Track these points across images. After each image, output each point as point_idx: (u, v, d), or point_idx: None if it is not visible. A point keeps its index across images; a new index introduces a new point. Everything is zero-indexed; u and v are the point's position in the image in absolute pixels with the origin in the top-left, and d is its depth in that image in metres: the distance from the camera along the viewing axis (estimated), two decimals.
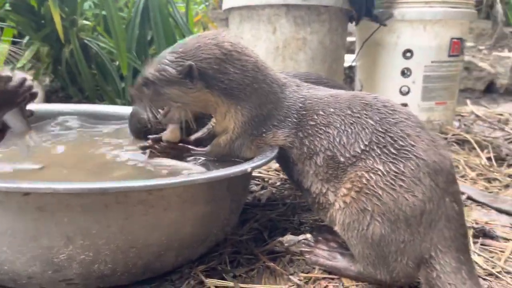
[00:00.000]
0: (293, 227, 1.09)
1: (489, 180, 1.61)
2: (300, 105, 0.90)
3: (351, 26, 2.05)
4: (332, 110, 0.87)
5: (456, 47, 1.97)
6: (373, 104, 0.86)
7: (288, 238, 0.97)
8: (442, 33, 1.93)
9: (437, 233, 0.78)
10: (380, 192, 0.78)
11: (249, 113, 0.89)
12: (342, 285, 0.86)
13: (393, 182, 0.77)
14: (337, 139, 0.84)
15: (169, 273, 0.84)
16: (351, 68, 2.30)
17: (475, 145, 1.90)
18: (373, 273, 0.83)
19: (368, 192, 0.79)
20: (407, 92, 2.00)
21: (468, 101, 2.89)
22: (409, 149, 0.79)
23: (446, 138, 1.94)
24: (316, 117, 0.88)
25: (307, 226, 1.10)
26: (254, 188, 1.33)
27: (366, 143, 0.81)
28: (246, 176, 0.95)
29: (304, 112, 0.89)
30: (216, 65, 0.86)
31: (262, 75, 0.90)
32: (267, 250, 0.95)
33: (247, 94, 0.88)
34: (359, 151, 0.82)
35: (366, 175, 0.79)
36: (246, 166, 0.76)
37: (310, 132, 0.87)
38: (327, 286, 0.86)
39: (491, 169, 1.76)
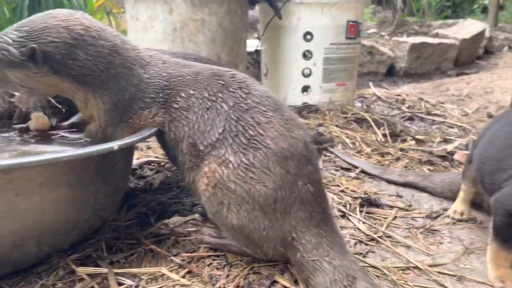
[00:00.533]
0: (184, 209, 1.06)
1: (382, 155, 1.71)
2: (165, 83, 0.86)
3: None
4: (191, 92, 0.84)
5: (353, 29, 2.06)
6: (229, 85, 0.84)
7: (175, 219, 0.94)
8: (338, 15, 2.00)
9: (294, 216, 0.79)
10: (233, 186, 0.78)
11: (110, 100, 0.83)
12: (226, 261, 0.85)
13: (244, 175, 0.77)
14: (196, 126, 0.82)
15: (36, 265, 0.77)
16: (258, 52, 2.31)
17: (372, 123, 2.01)
18: (251, 253, 0.83)
19: (222, 187, 0.78)
20: (309, 74, 2.05)
21: (371, 84, 3.06)
22: (258, 138, 0.79)
23: (346, 118, 2.02)
24: (178, 100, 0.84)
25: (200, 207, 1.08)
26: (148, 173, 1.28)
27: (220, 131, 0.80)
28: (125, 158, 0.90)
29: (168, 91, 0.85)
30: (64, 50, 0.79)
31: (120, 59, 0.84)
32: (152, 234, 0.91)
33: (103, 81, 0.82)
34: (214, 140, 0.80)
35: (218, 169, 0.78)
36: (112, 145, 0.71)
37: (174, 116, 0.84)
38: (211, 263, 0.84)
39: (386, 144, 1.87)
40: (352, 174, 1.46)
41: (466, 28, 3.77)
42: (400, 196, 1.31)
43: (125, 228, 0.93)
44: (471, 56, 3.76)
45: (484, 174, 1.00)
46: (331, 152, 1.63)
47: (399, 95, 2.87)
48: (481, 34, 3.70)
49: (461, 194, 1.19)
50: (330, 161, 1.56)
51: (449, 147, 1.89)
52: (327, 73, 2.06)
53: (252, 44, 2.37)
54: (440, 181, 1.33)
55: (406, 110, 2.51)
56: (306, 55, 2.03)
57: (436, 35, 3.59)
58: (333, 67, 2.06)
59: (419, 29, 4.16)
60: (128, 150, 0.91)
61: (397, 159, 1.68)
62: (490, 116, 2.42)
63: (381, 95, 2.82)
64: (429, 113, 2.45)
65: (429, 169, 1.58)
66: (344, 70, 2.09)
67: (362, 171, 1.49)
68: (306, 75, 2.06)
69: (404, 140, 2.00)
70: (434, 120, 2.34)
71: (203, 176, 0.80)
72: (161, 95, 0.85)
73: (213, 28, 1.70)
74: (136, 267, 0.81)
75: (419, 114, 2.42)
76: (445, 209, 1.23)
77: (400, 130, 2.13)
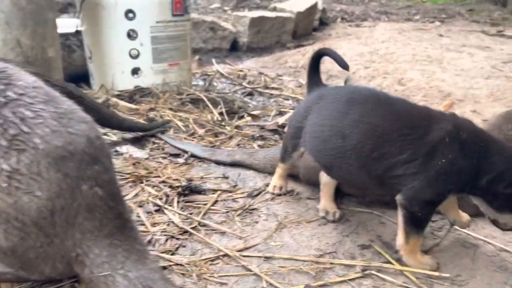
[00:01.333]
0: None
1: (216, 135, 1.69)
2: None
3: None
4: None
5: (179, 6, 1.96)
6: None
7: None
8: None
9: (79, 227, 0.69)
10: None
11: None
12: None
13: (6, 185, 0.64)
14: None
15: None
16: (79, 33, 2.07)
17: (208, 103, 1.97)
18: (26, 275, 0.71)
19: None
20: (137, 55, 1.92)
21: (213, 60, 3.03)
22: (22, 138, 0.66)
23: (181, 99, 1.95)
24: None
25: None
26: None
27: None
28: None
29: None
30: None
31: None
32: None
33: None
34: None
35: None
36: None
37: None
38: None
39: (223, 123, 1.86)
40: (181, 160, 1.40)
41: (301, 1, 3.98)
42: (226, 177, 1.30)
43: None
44: (307, 28, 4.00)
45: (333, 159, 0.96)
46: (160, 139, 1.54)
47: (241, 71, 2.90)
48: (313, 7, 3.95)
49: (278, 170, 1.22)
50: (158, 149, 1.48)
51: (281, 120, 1.96)
52: (157, 53, 1.94)
53: (70, 24, 2.12)
54: (263, 157, 1.36)
55: (247, 85, 2.55)
56: (131, 34, 1.88)
57: (274, 9, 3.72)
58: (162, 47, 1.95)
59: (260, 2, 4.27)
60: None
61: (231, 137, 1.68)
62: None
63: (224, 72, 2.82)
64: (267, 87, 2.53)
65: (259, 145, 1.61)
66: (175, 49, 2.00)
67: (192, 155, 1.45)
68: (134, 56, 1.91)
69: (242, 117, 2.02)
70: (271, 94, 2.42)
71: None
72: None
73: (6, 8, 1.44)
74: None
75: (259, 89, 2.48)
76: (267, 185, 1.26)
77: (239, 106, 2.15)
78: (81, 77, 2.13)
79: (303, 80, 2.70)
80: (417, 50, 3.12)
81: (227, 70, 2.89)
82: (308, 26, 4.01)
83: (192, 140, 1.59)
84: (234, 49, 3.48)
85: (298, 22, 3.69)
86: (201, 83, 2.56)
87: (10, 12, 1.46)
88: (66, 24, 2.13)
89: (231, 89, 2.53)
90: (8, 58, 1.24)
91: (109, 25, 1.86)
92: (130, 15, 1.85)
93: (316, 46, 3.44)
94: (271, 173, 1.34)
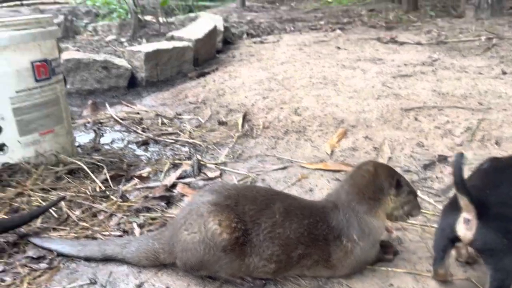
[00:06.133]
0: None
1: (94, 214, 1.55)
2: None
3: None
4: None
5: (43, 70, 1.79)
6: None
7: None
8: (17, 59, 1.70)
9: None
10: None
11: None
12: None
13: None
14: None
15: None
16: None
17: (89, 171, 1.82)
18: None
19: None
20: (0, 131, 1.72)
21: (107, 105, 2.86)
22: None
23: (57, 172, 1.78)
24: None
25: None
26: None
27: None
28: None
29: None
30: None
31: None
32: None
33: None
34: None
35: None
36: None
37: None
38: None
39: (107, 192, 1.72)
40: (43, 265, 1.25)
41: (200, 27, 3.90)
42: (94, 283, 1.18)
43: None
44: (210, 53, 3.93)
45: None
46: (21, 238, 1.37)
47: (137, 113, 2.76)
48: (213, 31, 3.88)
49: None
50: (18, 252, 1.31)
51: (172, 178, 1.86)
52: (23, 125, 1.76)
53: None
54: (136, 249, 1.25)
55: (142, 133, 2.42)
56: None
57: (172, 38, 3.60)
58: (29, 117, 1.77)
59: (159, 29, 4.12)
60: None
61: (111, 216, 1.55)
62: (220, 123, 2.53)
63: (119, 117, 2.66)
64: (163, 134, 2.41)
65: (142, 222, 1.50)
66: (46, 116, 1.83)
67: (59, 254, 1.30)
68: None
69: (130, 179, 1.89)
70: (167, 142, 2.31)
71: None
72: None
73: None
74: None
75: (153, 137, 2.36)
76: (140, 286, 1.16)
77: (128, 165, 2.02)
78: None
79: (202, 118, 2.62)
80: (315, 70, 3.16)
81: (122, 114, 2.73)
82: (210, 50, 3.94)
83: (64, 229, 1.44)
84: (133, 85, 3.31)
85: (198, 49, 3.60)
86: (90, 136, 2.39)
87: None
88: None
89: (125, 138, 2.39)
90: None
91: None
92: None
93: (218, 74, 3.37)
94: (146, 266, 1.24)
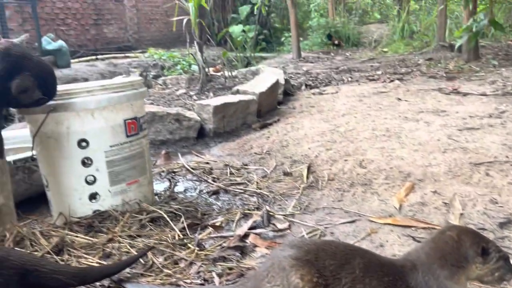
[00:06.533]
0: None
1: (175, 262, 1.66)
2: None
3: None
4: None
5: (133, 126, 2.00)
6: None
7: None
8: (113, 117, 1.92)
9: None
10: None
11: None
12: None
13: None
14: None
15: None
16: (34, 160, 2.08)
17: (168, 219, 1.96)
18: None
19: None
20: (94, 181, 1.92)
21: (179, 155, 3.06)
22: None
23: (141, 220, 1.93)
24: None
25: None
26: None
27: None
28: None
29: None
30: None
31: None
32: None
33: None
34: None
35: None
36: None
37: None
38: None
39: (185, 240, 1.83)
40: None
41: (263, 80, 4.11)
42: None
43: None
44: (272, 104, 4.11)
45: None
46: (115, 283, 1.50)
47: (207, 163, 2.93)
48: (275, 84, 4.08)
49: None
50: None
51: (244, 228, 1.96)
52: (114, 176, 1.95)
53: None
54: None
55: (212, 183, 2.56)
56: (86, 162, 1.89)
57: (237, 92, 3.82)
58: (119, 168, 1.96)
59: (225, 83, 4.39)
60: None
61: (191, 264, 1.66)
62: (285, 173, 2.63)
63: (190, 167, 2.83)
64: (232, 183, 2.54)
65: (220, 272, 1.59)
66: (132, 167, 2.01)
67: None
68: (91, 182, 1.91)
69: (205, 227, 2.00)
70: (236, 192, 2.42)
71: None
72: None
73: None
74: None
75: (223, 187, 2.49)
76: None
77: (202, 213, 2.14)
78: (42, 196, 2.11)
79: (268, 168, 2.74)
80: (377, 122, 3.21)
81: (193, 164, 2.91)
82: (272, 102, 4.12)
83: (150, 275, 1.56)
84: (201, 135, 3.53)
85: (262, 101, 3.79)
86: (165, 185, 2.56)
87: None
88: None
89: (197, 187, 2.54)
90: None
91: (63, 156, 1.87)
92: (83, 144, 1.87)
93: (280, 125, 3.52)
94: None
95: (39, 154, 1.94)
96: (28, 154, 2.13)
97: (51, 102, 1.77)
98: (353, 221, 1.98)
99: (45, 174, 1.96)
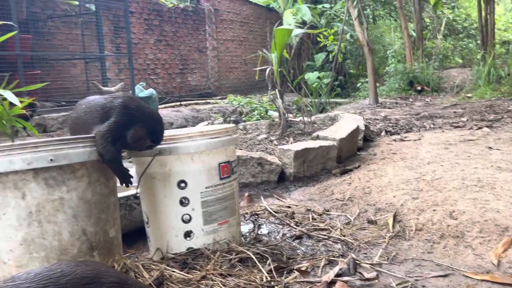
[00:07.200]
0: None
1: None
2: None
3: None
4: None
5: (226, 170, 2.14)
6: None
7: None
8: (209, 160, 2.07)
9: None
10: None
11: None
12: None
13: None
14: None
15: None
16: (137, 198, 2.29)
17: (256, 261, 2.02)
18: None
19: None
20: (189, 220, 2.05)
21: (262, 198, 3.15)
22: None
23: (230, 260, 2.01)
24: None
25: None
26: None
27: None
28: None
29: None
30: None
31: None
32: None
33: None
34: None
35: None
36: None
37: None
38: None
39: (272, 282, 1.88)
40: None
41: (343, 126, 4.15)
42: None
43: None
44: (352, 150, 4.11)
45: None
46: None
47: (289, 207, 2.98)
48: (355, 130, 4.09)
49: None
50: None
51: (330, 275, 1.95)
52: (207, 215, 2.07)
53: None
54: None
55: (295, 227, 2.60)
56: (183, 201, 2.04)
57: (317, 137, 3.89)
58: (212, 209, 2.09)
59: (304, 128, 4.49)
60: None
61: None
62: (369, 221, 2.59)
63: (272, 209, 2.91)
64: (315, 229, 2.55)
65: None
66: (224, 208, 2.13)
67: None
68: (187, 221, 2.05)
69: (291, 271, 2.03)
70: (319, 237, 2.43)
71: None
72: None
73: (74, 204, 1.65)
74: None
75: (306, 231, 2.51)
76: None
77: (288, 257, 2.18)
78: (140, 231, 2.29)
79: (351, 215, 2.72)
80: (466, 172, 3.07)
81: (275, 207, 2.98)
82: (352, 148, 4.12)
83: None
84: (282, 179, 3.61)
85: (342, 147, 3.81)
86: (249, 227, 2.65)
87: (77, 206, 1.66)
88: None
89: (280, 231, 2.59)
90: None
91: (163, 195, 2.04)
92: (182, 184, 2.03)
93: (362, 172, 3.49)
94: None
95: (143, 193, 2.14)
96: (130, 192, 2.35)
97: (157, 146, 1.97)
98: (446, 275, 1.89)
99: (147, 211, 2.14)
